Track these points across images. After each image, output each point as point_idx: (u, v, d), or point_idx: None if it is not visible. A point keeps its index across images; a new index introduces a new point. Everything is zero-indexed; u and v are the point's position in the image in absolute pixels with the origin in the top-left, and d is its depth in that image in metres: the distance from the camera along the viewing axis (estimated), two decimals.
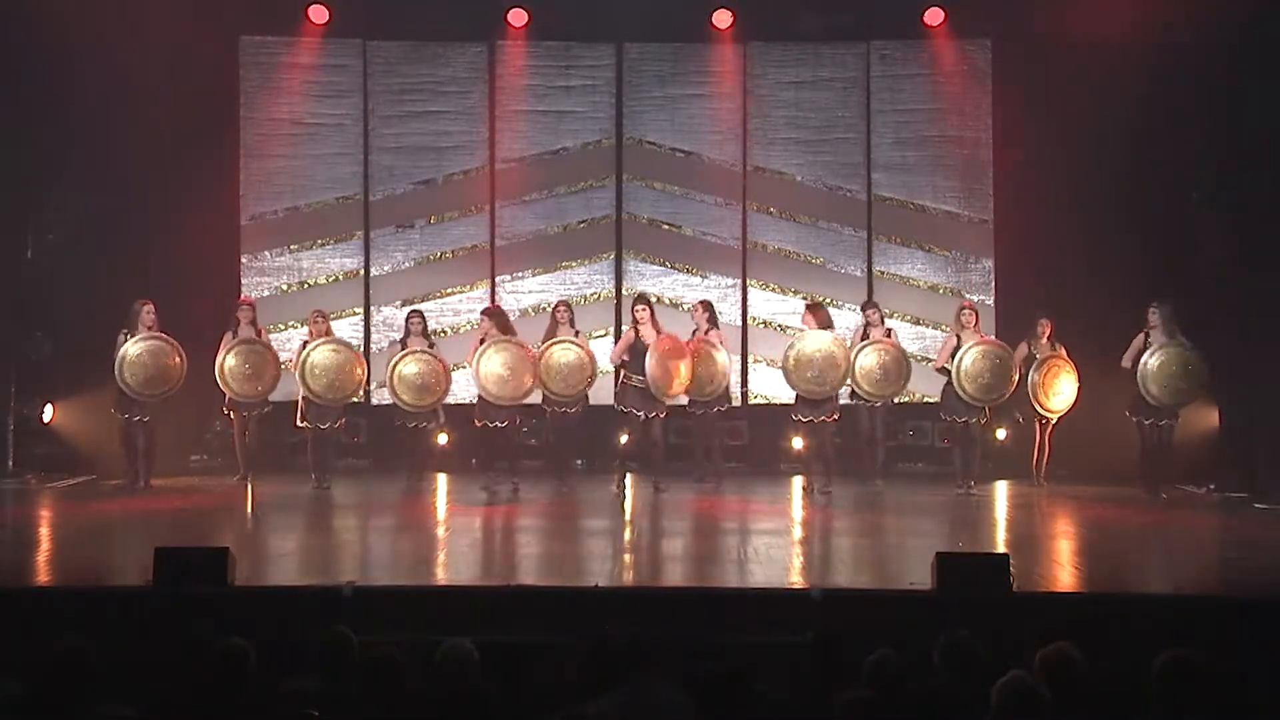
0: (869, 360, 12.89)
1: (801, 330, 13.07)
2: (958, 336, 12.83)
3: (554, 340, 13.00)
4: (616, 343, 13.78)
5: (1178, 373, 12.48)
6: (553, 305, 13.64)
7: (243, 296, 14.07)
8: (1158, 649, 5.20)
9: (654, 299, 13.71)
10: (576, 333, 13.17)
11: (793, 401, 12.97)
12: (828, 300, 14.81)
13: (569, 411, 13.07)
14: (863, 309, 13.59)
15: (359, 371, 13.17)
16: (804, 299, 14.36)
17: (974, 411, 12.64)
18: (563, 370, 12.90)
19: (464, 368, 13.58)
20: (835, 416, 12.84)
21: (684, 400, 13.14)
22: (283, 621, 7.39)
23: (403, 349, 13.27)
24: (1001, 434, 14.38)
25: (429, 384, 13.03)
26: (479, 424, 12.98)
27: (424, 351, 13.16)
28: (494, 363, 12.78)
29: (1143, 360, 12.49)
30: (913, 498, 12.59)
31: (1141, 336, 12.67)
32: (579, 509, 11.80)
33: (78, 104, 13.39)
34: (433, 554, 10.14)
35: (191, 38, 14.06)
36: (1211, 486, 12.82)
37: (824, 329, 12.84)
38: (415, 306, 14.12)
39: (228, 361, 12.91)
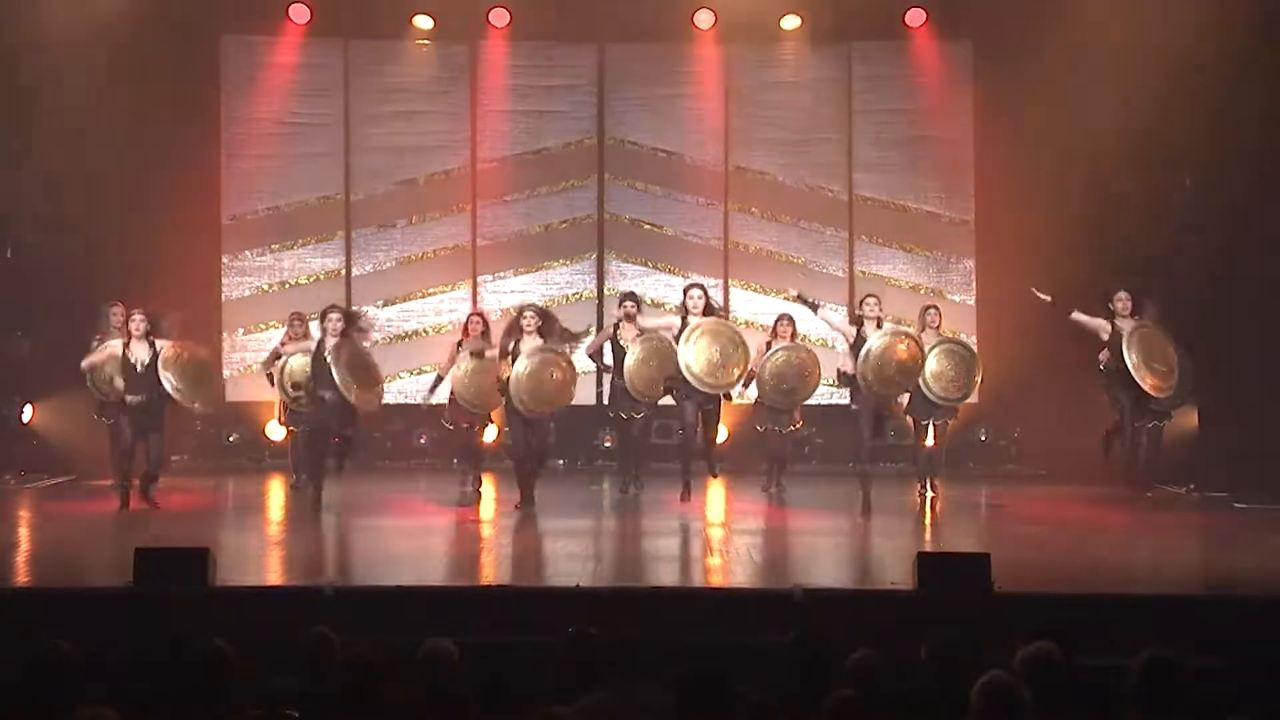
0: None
1: (776, 340, 12.61)
2: (919, 337, 12.41)
3: (534, 348, 11.67)
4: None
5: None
6: (514, 314, 12.11)
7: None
8: (1138, 648, 5.21)
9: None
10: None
11: (753, 407, 12.74)
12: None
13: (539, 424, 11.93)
14: (862, 301, 12.54)
15: None
16: (786, 298, 14.34)
17: (943, 411, 12.40)
18: (539, 378, 11.58)
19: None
20: (797, 426, 12.74)
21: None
22: (263, 622, 7.38)
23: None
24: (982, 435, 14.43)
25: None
26: (448, 425, 12.72)
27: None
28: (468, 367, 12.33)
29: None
30: (897, 497, 12.55)
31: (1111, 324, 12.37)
32: (559, 509, 11.76)
33: (58, 102, 13.33)
34: (415, 554, 10.14)
35: (173, 37, 14.06)
36: (1191, 486, 12.84)
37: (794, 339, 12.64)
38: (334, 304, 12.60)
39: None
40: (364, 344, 11.77)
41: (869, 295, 12.38)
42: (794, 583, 8.42)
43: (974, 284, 15.12)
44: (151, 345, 11.44)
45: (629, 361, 12.02)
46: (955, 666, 5.61)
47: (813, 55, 15.27)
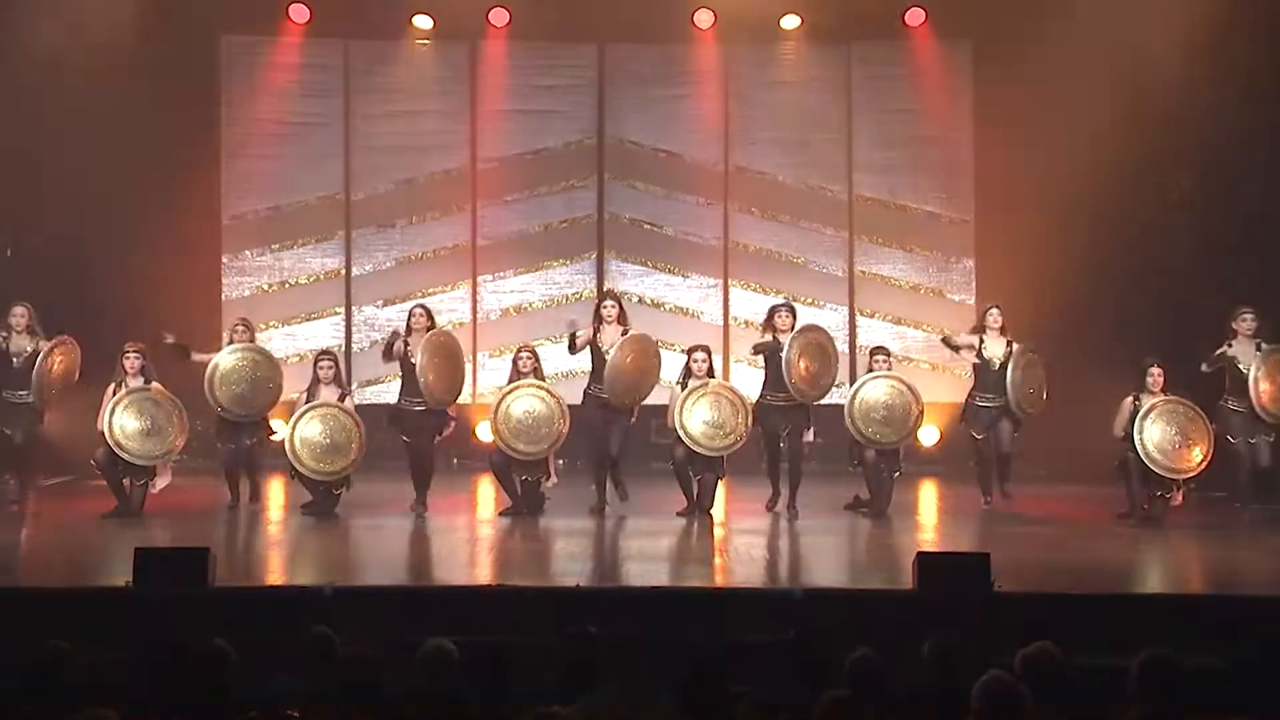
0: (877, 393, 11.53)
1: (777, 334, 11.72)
2: (981, 339, 11.83)
3: (512, 385, 11.43)
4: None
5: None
6: (515, 351, 11.94)
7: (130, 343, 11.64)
8: (1138, 648, 5.22)
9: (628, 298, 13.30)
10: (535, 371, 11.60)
11: (760, 411, 11.67)
12: (809, 300, 14.82)
13: (537, 480, 11.51)
14: (871, 354, 12.13)
15: (275, 383, 11.84)
16: (786, 298, 14.31)
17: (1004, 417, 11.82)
18: (525, 422, 11.24)
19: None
20: (809, 436, 11.79)
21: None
22: (263, 622, 7.39)
23: (308, 400, 11.55)
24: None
25: (339, 444, 11.30)
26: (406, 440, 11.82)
27: (332, 405, 11.41)
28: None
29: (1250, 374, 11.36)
30: (896, 498, 12.48)
31: (1226, 345, 11.50)
32: (560, 509, 11.74)
33: (58, 103, 13.34)
34: (415, 553, 10.16)
35: (173, 37, 14.10)
36: (1192, 485, 12.79)
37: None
38: (326, 348, 12.74)
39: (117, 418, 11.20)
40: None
41: (879, 350, 12.09)
42: (794, 582, 8.44)
43: (974, 284, 15.12)
44: (146, 382, 11.38)
45: (609, 363, 11.41)
46: (955, 666, 5.64)
47: (812, 55, 15.27)
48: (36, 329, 11.85)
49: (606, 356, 11.37)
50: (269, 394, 11.83)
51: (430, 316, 11.84)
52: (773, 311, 11.80)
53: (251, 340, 12.20)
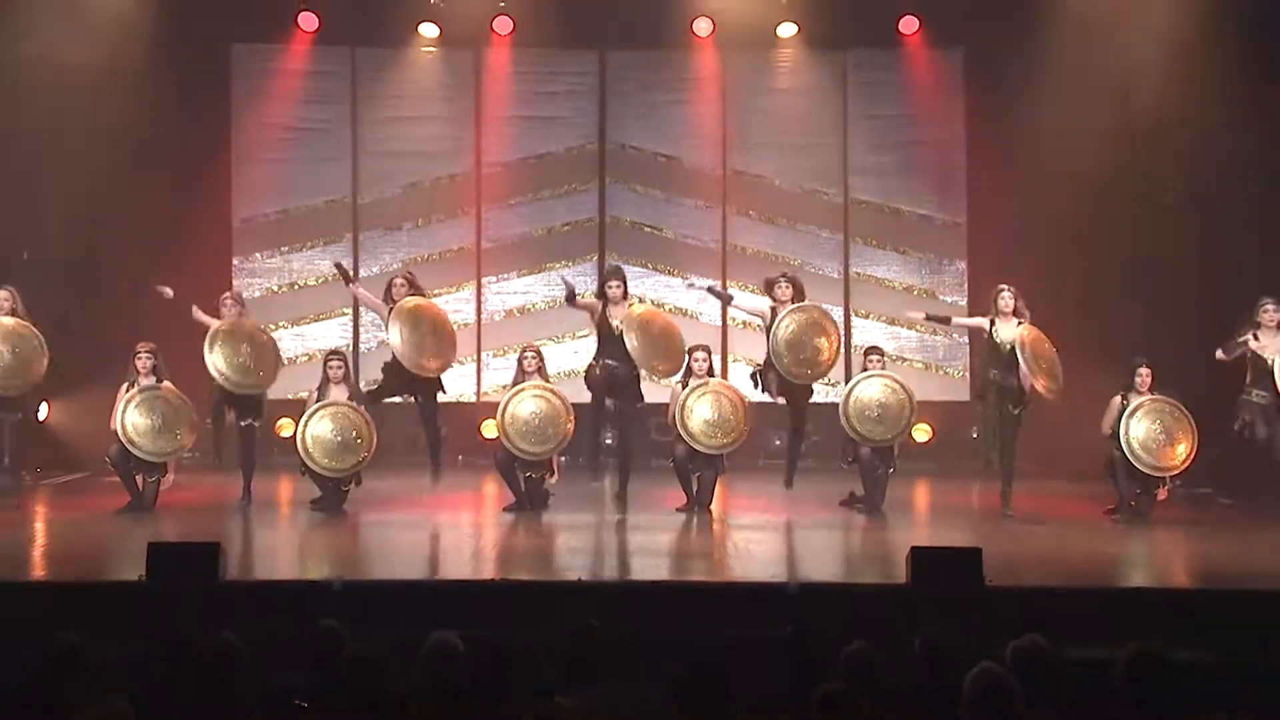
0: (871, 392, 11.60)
1: (780, 304, 11.59)
2: (992, 322, 11.51)
3: (519, 387, 11.52)
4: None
5: None
6: (520, 351, 11.96)
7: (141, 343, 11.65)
8: (1126, 641, 5.34)
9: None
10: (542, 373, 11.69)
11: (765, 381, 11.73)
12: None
13: (540, 476, 11.65)
14: (865, 354, 12.16)
15: (275, 349, 12.04)
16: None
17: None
18: (532, 423, 11.36)
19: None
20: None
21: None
22: (273, 616, 7.51)
23: (319, 399, 11.63)
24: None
25: (350, 442, 11.44)
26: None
27: (343, 404, 11.54)
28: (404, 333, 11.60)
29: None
30: (893, 494, 12.60)
31: (1250, 337, 11.28)
32: (562, 505, 11.87)
33: (73, 109, 13.50)
34: (420, 548, 10.30)
35: (184, 46, 14.28)
36: (1177, 482, 12.89)
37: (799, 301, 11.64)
38: (335, 348, 12.68)
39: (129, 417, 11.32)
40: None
41: (873, 349, 12.10)
42: (790, 577, 8.57)
43: (965, 285, 15.30)
44: (158, 381, 11.51)
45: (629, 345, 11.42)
46: (947, 659, 5.74)
47: (809, 62, 15.45)
48: (20, 312, 11.91)
49: (618, 333, 11.41)
50: (272, 361, 11.87)
51: (412, 284, 11.83)
52: (771, 283, 11.80)
53: (242, 314, 12.13)
